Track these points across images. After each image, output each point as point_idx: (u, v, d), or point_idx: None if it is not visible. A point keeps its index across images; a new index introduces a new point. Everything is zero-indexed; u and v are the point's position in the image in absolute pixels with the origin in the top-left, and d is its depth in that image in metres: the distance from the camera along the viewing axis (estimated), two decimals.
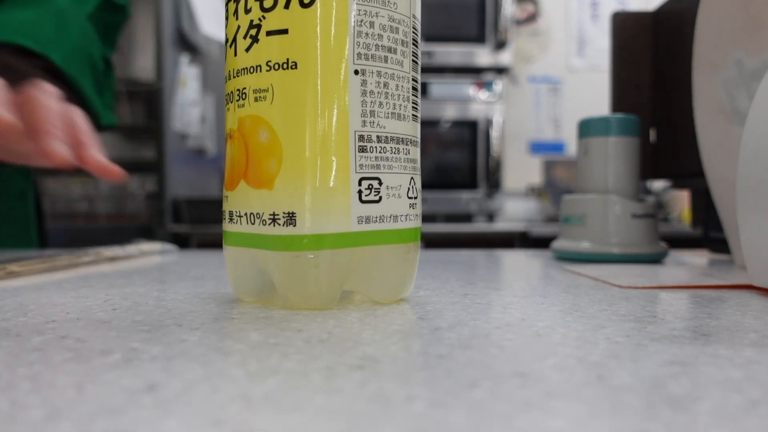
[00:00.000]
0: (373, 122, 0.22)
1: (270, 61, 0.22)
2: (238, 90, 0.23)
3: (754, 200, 0.28)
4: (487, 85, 1.77)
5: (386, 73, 0.23)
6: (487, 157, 1.75)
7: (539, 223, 1.82)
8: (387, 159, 0.23)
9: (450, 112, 1.76)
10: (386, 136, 0.23)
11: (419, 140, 0.25)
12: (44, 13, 0.49)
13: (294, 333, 0.19)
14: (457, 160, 1.78)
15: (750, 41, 0.37)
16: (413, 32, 0.24)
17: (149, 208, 1.81)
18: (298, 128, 0.22)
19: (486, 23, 1.77)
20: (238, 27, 0.23)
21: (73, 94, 0.49)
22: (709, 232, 0.52)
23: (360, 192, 0.22)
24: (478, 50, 1.78)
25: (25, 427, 0.11)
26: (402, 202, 0.24)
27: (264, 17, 0.22)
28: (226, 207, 0.25)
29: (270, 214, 0.22)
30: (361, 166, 0.22)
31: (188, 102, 1.71)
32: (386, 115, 0.23)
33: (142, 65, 1.92)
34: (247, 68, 0.23)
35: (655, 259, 0.44)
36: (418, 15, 0.25)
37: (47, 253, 0.43)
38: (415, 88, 0.25)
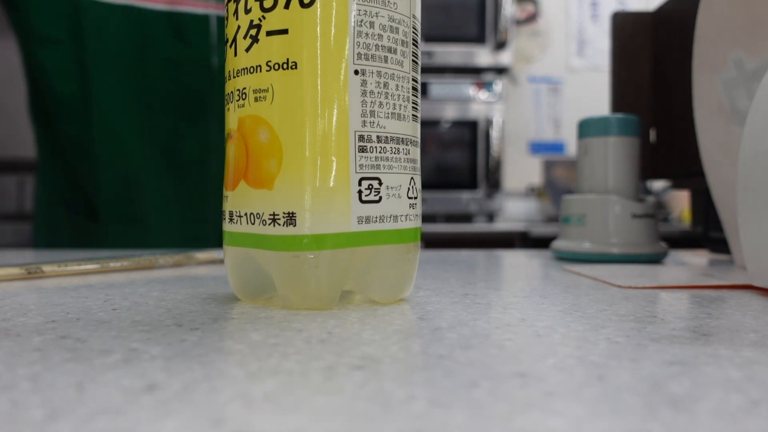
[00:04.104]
0: (373, 122, 0.22)
1: (270, 61, 0.22)
2: (238, 90, 0.23)
3: (754, 201, 0.28)
4: (487, 86, 1.77)
5: (386, 73, 0.23)
6: (487, 157, 1.75)
7: (539, 223, 1.82)
8: (387, 159, 0.23)
9: (450, 112, 1.76)
10: (386, 136, 0.23)
11: (419, 140, 0.25)
12: None
13: (294, 333, 0.19)
14: (457, 160, 1.78)
15: (750, 41, 0.37)
16: (413, 32, 0.24)
17: None
18: (298, 128, 0.22)
19: (486, 23, 1.77)
20: (238, 27, 0.23)
21: None
22: (709, 232, 0.52)
23: (360, 192, 0.22)
24: (478, 50, 1.78)
25: (25, 427, 0.11)
26: (402, 202, 0.24)
27: (264, 17, 0.22)
28: (226, 207, 0.25)
29: (270, 214, 0.22)
30: (361, 166, 0.22)
31: None
32: (386, 115, 0.23)
33: None
34: (247, 68, 0.23)
35: (655, 259, 0.44)
36: (418, 15, 0.25)
37: (78, 255, 0.43)
38: (415, 88, 0.25)
